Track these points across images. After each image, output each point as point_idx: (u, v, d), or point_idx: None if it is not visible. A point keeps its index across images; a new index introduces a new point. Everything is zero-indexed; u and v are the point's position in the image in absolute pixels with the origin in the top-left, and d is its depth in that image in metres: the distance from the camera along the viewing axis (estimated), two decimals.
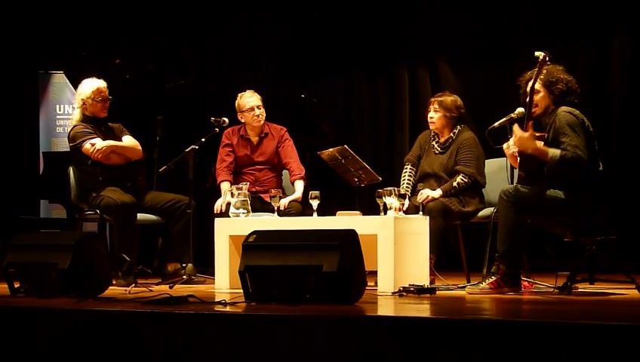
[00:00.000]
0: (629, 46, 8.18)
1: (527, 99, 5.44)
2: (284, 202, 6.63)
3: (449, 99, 6.50)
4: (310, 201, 6.07)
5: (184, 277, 6.29)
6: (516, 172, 5.65)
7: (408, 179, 6.58)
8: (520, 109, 5.70)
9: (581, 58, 8.25)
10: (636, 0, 8.00)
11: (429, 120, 6.53)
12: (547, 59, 5.41)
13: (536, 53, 5.43)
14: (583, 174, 5.33)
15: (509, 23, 8.56)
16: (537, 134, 5.46)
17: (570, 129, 5.34)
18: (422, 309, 4.56)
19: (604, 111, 8.03)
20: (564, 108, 5.46)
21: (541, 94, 5.51)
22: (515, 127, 5.43)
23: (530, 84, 5.48)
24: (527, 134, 5.35)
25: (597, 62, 8.30)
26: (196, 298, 4.66)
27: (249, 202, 6.11)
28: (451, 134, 6.49)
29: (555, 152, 5.30)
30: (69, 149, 6.87)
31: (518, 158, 5.52)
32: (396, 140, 9.03)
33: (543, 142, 5.43)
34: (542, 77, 5.49)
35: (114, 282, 5.90)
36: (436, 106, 6.48)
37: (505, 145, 5.64)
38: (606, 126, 7.87)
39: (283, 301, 4.54)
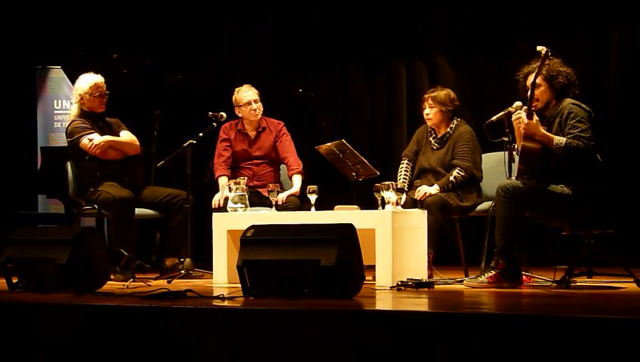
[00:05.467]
0: (626, 35, 8.17)
1: (529, 93, 5.44)
2: (282, 196, 6.63)
3: (442, 93, 6.49)
4: (308, 196, 6.07)
5: (182, 271, 6.29)
6: (514, 166, 5.65)
7: (405, 174, 6.57)
8: (517, 103, 5.71)
9: (579, 48, 8.24)
10: None
11: (425, 117, 6.53)
12: (549, 53, 5.42)
13: (539, 48, 5.44)
14: (585, 167, 5.35)
15: (506, 16, 8.55)
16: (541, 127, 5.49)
17: (577, 120, 5.37)
18: (420, 303, 4.56)
19: (602, 102, 8.01)
20: (570, 100, 5.48)
21: (542, 88, 5.52)
22: (522, 114, 5.43)
23: (532, 78, 5.49)
24: (534, 120, 5.37)
25: (595, 52, 8.29)
26: (194, 292, 4.65)
27: (247, 197, 6.12)
28: (448, 129, 6.48)
29: (560, 139, 5.32)
30: (66, 144, 6.87)
31: (519, 152, 5.52)
32: (394, 134, 9.02)
33: None
34: (542, 71, 5.49)
35: (112, 277, 5.91)
36: (430, 102, 6.48)
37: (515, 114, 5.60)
38: (605, 117, 7.83)
39: (281, 295, 4.54)
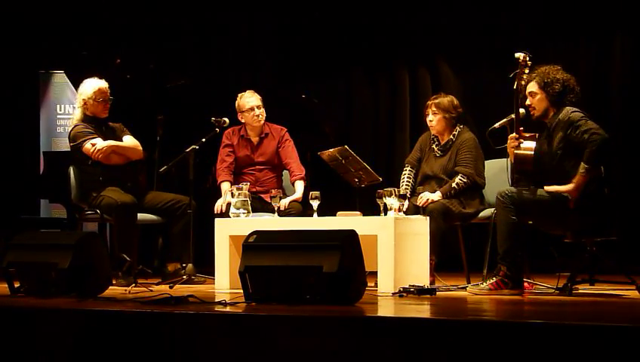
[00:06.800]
0: (630, 44, 8.17)
1: (514, 102, 5.47)
2: (284, 202, 6.63)
3: (445, 100, 6.47)
4: (310, 202, 6.07)
5: (184, 277, 6.29)
6: None
7: (407, 181, 6.56)
8: (521, 110, 5.71)
9: (582, 57, 8.24)
10: None
11: (428, 124, 6.50)
12: (527, 59, 5.42)
13: (516, 55, 5.45)
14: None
15: (510, 23, 8.55)
16: (527, 135, 5.50)
17: (583, 122, 5.34)
18: (422, 310, 4.55)
19: (605, 111, 8.01)
20: (569, 108, 5.46)
21: (538, 96, 5.51)
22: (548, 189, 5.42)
23: (530, 86, 5.50)
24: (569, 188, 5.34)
25: (598, 61, 8.29)
26: (196, 298, 4.65)
27: (249, 202, 6.11)
28: (451, 136, 6.47)
29: (583, 166, 5.28)
30: (69, 149, 6.87)
31: (513, 160, 5.52)
32: (397, 141, 9.02)
33: (534, 142, 5.46)
34: (537, 79, 5.49)
35: (114, 282, 5.90)
36: (434, 109, 6.45)
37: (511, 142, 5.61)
38: (607, 126, 7.82)
39: (283, 301, 4.54)
